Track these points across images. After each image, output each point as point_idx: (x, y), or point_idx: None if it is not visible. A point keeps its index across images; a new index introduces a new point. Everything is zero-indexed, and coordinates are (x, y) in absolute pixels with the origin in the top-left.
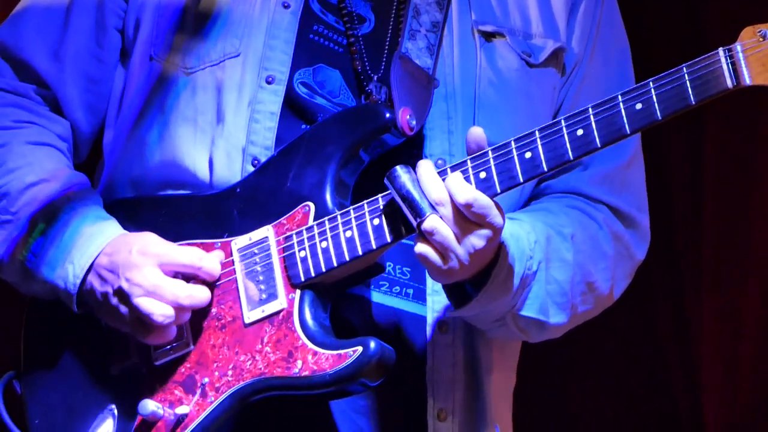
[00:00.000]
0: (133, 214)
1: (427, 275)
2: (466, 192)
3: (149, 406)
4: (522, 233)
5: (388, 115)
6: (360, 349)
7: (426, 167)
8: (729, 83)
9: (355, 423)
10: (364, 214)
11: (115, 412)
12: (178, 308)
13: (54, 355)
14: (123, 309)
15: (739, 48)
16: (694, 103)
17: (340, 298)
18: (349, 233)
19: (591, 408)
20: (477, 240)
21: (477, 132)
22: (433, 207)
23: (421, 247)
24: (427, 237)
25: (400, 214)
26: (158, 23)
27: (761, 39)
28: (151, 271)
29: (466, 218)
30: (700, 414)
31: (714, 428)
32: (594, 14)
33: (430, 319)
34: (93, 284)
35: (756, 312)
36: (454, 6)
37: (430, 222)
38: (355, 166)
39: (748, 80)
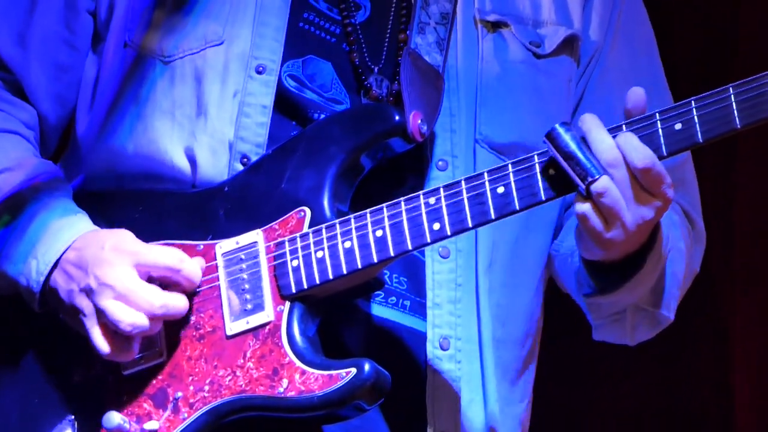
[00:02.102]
0: (106, 208)
1: (427, 287)
2: (646, 155)
3: (114, 419)
4: None
5: (397, 117)
6: (353, 371)
7: (594, 123)
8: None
9: None
10: (366, 224)
11: (76, 423)
12: (151, 318)
13: (12, 355)
14: (88, 310)
15: None
16: (739, 127)
17: (333, 308)
18: (348, 244)
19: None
20: (647, 211)
21: (637, 93)
22: (604, 168)
23: (584, 206)
24: (594, 199)
25: (406, 225)
26: (133, 5)
27: None
28: (125, 272)
29: (639, 184)
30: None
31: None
32: (614, 1)
33: (431, 335)
34: (57, 281)
35: None
36: None
37: (603, 183)
38: (357, 171)
39: None
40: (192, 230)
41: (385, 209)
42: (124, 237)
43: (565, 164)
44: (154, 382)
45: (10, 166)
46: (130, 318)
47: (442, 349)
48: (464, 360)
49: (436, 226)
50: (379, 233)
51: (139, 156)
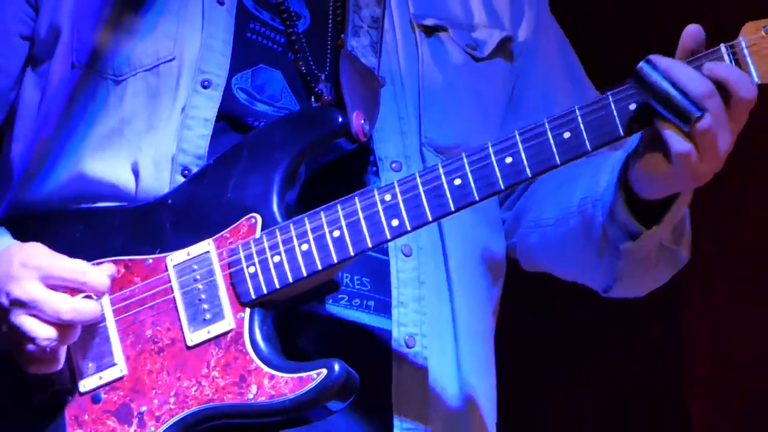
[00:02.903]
0: (43, 229)
1: (392, 286)
2: (742, 77)
3: None
4: None
5: (340, 119)
6: (324, 371)
7: (672, 60)
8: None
9: None
10: (321, 224)
11: None
12: (61, 325)
13: None
14: (4, 328)
15: (743, 44)
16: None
17: (293, 314)
18: (305, 246)
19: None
20: (731, 137)
21: (693, 29)
22: (701, 104)
23: (685, 145)
24: (696, 136)
25: (364, 224)
26: (79, 27)
27: (765, 35)
28: (31, 285)
29: (730, 113)
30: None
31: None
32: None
33: (396, 333)
34: None
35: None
36: None
37: (708, 120)
38: (302, 174)
39: (756, 78)
40: (139, 245)
41: (339, 207)
42: (31, 252)
43: (657, 104)
44: (116, 398)
45: None
46: (44, 332)
47: (408, 346)
48: (431, 356)
49: (395, 222)
50: (336, 233)
51: (78, 177)
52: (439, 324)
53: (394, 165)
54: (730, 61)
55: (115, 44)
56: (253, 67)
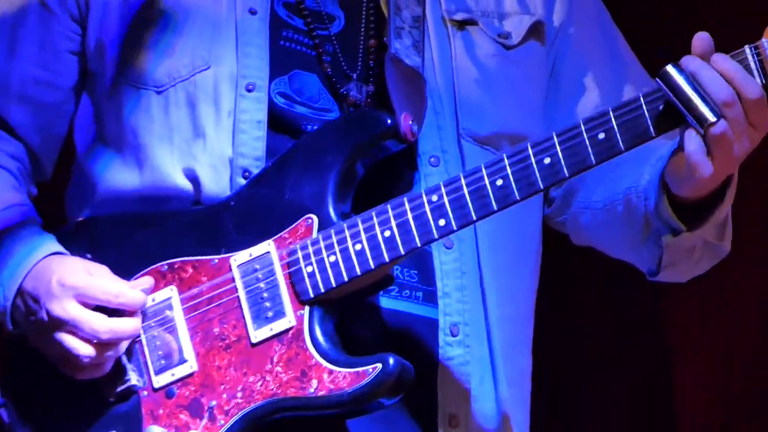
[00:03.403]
0: (113, 232)
1: (437, 278)
2: (755, 87)
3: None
4: None
5: (389, 121)
6: (379, 366)
7: (699, 61)
8: (758, 81)
9: (368, 428)
10: (373, 224)
11: None
12: (100, 345)
13: (40, 382)
14: (48, 341)
15: (766, 45)
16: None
17: (348, 309)
18: (358, 246)
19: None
20: (749, 143)
21: (702, 37)
22: (720, 109)
23: (694, 146)
24: (710, 141)
25: (413, 224)
26: (121, 42)
27: None
28: (69, 305)
29: (749, 119)
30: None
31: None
32: None
33: (442, 323)
34: (22, 308)
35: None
36: None
37: (723, 126)
38: (356, 174)
39: None
40: (204, 246)
41: (389, 208)
42: (68, 269)
43: (679, 105)
44: (188, 393)
45: None
46: (84, 350)
47: (452, 335)
48: (473, 344)
49: (442, 222)
50: (387, 233)
51: (144, 186)
52: (476, 312)
53: (432, 160)
54: (755, 62)
55: (153, 57)
56: (288, 73)
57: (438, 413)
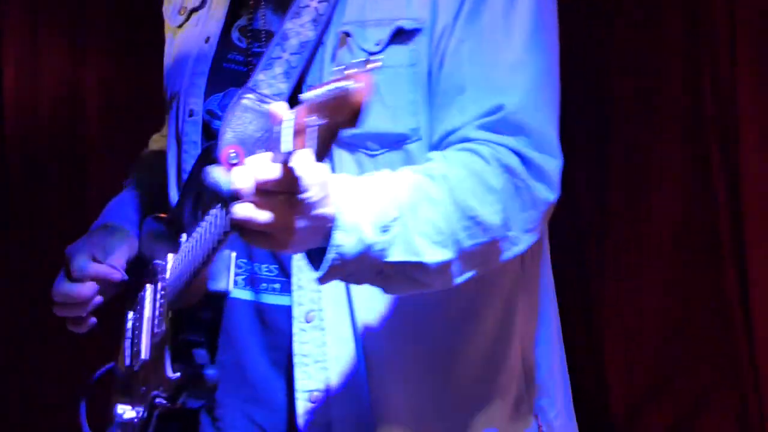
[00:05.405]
0: (146, 225)
1: (293, 268)
2: (269, 171)
3: None
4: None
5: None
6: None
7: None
8: None
9: (243, 411)
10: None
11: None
12: (63, 304)
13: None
14: None
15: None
16: None
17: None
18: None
19: None
20: (301, 221)
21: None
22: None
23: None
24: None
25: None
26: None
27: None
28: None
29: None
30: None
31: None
32: None
33: (296, 312)
34: None
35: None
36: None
37: (238, 212)
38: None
39: None
40: (161, 250)
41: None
42: (71, 249)
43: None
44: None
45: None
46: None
47: (307, 321)
48: (328, 327)
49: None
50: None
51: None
52: (335, 296)
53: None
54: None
55: (166, 85)
56: (224, 90)
57: (295, 389)
